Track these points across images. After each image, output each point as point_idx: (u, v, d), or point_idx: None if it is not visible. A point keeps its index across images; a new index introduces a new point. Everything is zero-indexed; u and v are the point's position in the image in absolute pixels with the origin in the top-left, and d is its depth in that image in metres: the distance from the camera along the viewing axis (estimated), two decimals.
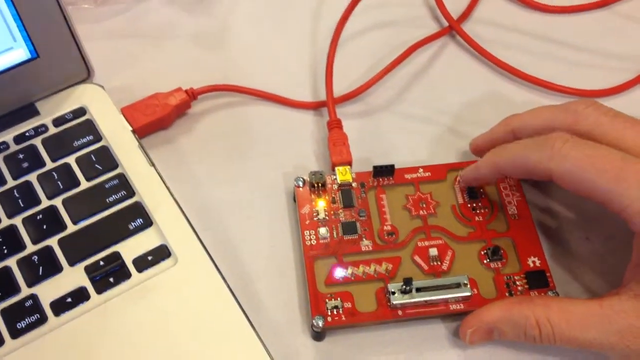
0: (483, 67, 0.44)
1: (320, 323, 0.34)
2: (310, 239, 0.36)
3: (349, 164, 0.38)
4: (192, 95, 0.40)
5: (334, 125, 0.39)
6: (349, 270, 0.36)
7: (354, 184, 0.38)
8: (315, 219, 0.37)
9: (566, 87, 0.42)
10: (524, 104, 0.42)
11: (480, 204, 0.38)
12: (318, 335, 0.34)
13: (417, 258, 0.36)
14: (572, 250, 0.37)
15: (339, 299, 0.35)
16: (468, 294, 0.34)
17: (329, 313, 0.34)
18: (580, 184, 0.31)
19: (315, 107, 0.42)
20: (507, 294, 0.35)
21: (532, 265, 0.36)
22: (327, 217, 0.37)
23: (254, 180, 0.39)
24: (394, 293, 0.34)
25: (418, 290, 0.34)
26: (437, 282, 0.34)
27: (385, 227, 0.37)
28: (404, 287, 0.34)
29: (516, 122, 0.35)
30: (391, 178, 0.38)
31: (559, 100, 0.41)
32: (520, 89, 0.43)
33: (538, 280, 0.35)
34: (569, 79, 0.42)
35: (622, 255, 0.33)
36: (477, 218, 0.37)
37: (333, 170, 0.38)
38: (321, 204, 0.37)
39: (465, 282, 0.34)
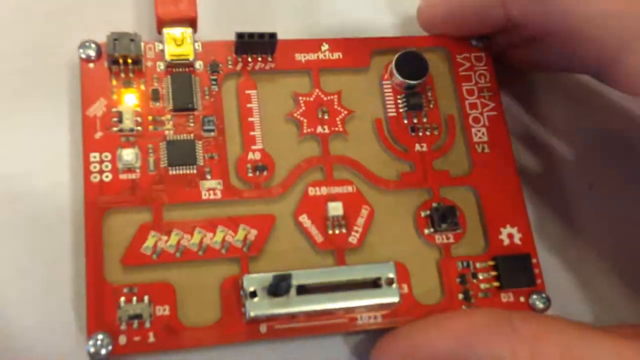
0: None
1: (103, 350, 0.17)
2: (100, 172, 0.18)
3: (191, 23, 0.20)
4: None
5: None
6: (172, 240, 0.18)
7: (197, 65, 0.20)
8: (115, 129, 0.19)
9: None
10: None
11: (425, 121, 0.21)
12: None
13: (304, 219, 0.19)
14: (571, 213, 0.22)
15: (146, 298, 0.18)
16: (394, 299, 0.18)
17: (123, 328, 0.17)
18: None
19: None
20: (460, 298, 0.19)
21: (506, 242, 0.20)
22: (139, 128, 0.19)
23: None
24: (253, 295, 0.17)
25: (301, 290, 0.18)
26: (335, 275, 0.18)
27: (250, 155, 0.20)
28: (275, 286, 0.17)
29: None
30: (269, 58, 0.20)
31: None
32: None
33: (517, 272, 0.20)
34: None
35: None
36: (418, 146, 0.21)
37: (159, 33, 0.20)
38: (129, 101, 0.19)
39: (391, 275, 0.18)
